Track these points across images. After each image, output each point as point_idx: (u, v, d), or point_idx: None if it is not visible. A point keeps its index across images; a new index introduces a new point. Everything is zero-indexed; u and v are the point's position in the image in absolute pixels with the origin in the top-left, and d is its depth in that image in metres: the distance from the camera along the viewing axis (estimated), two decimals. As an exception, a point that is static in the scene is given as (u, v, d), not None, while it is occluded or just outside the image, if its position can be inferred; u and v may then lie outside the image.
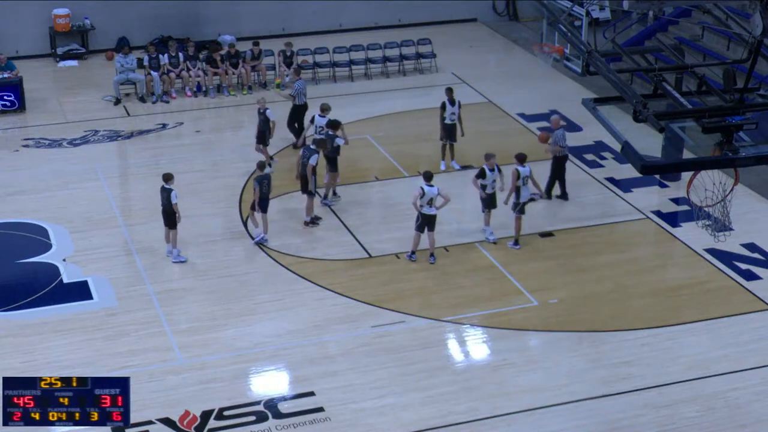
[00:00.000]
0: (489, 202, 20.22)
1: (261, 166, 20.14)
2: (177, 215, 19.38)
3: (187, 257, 19.63)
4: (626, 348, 17.34)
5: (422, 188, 19.25)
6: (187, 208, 20.18)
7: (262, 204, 19.99)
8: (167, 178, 19.44)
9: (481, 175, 20.01)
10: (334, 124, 21.67)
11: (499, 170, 20.06)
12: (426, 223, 19.40)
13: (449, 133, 23.02)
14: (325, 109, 22.28)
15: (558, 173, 21.87)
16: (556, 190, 21.92)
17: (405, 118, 23.34)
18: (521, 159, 20.12)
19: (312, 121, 22.38)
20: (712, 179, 14.13)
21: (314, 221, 20.98)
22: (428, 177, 19.36)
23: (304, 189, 20.80)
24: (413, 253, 19.65)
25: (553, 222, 21.16)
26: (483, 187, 20.07)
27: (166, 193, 19.33)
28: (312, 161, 20.49)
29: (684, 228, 20.91)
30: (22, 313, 18.14)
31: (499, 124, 25.79)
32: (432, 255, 19.63)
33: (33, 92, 27.08)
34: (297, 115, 23.97)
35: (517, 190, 19.91)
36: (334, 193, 21.96)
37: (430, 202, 19.29)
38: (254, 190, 19.95)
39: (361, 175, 22.97)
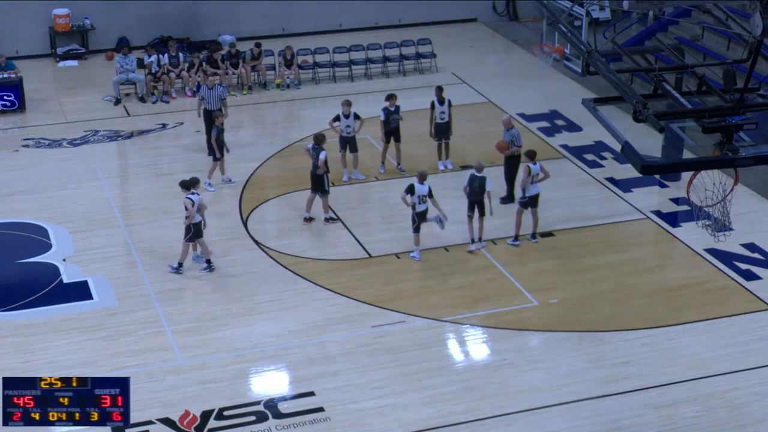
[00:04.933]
0: (421, 218, 19.69)
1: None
2: (203, 221, 19.32)
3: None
4: (626, 348, 17.35)
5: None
6: (187, 208, 20.20)
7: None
8: (193, 183, 19.28)
9: (410, 190, 19.54)
10: (390, 96, 22.79)
11: (431, 194, 19.57)
12: None
13: (442, 132, 23.05)
14: (347, 104, 22.44)
15: (510, 173, 21.62)
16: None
17: (405, 118, 23.30)
18: (531, 156, 20.13)
19: (336, 119, 22.43)
20: (712, 179, 14.13)
21: (331, 219, 21.01)
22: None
23: (315, 188, 20.79)
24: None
25: (553, 222, 21.15)
26: (413, 205, 19.59)
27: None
28: (322, 157, 20.50)
29: (684, 228, 20.91)
30: (22, 313, 18.14)
31: (498, 125, 25.66)
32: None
33: (33, 92, 27.09)
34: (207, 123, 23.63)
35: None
36: (398, 163, 23.05)
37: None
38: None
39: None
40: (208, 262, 19.34)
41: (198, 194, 19.23)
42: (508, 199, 21.49)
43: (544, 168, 20.20)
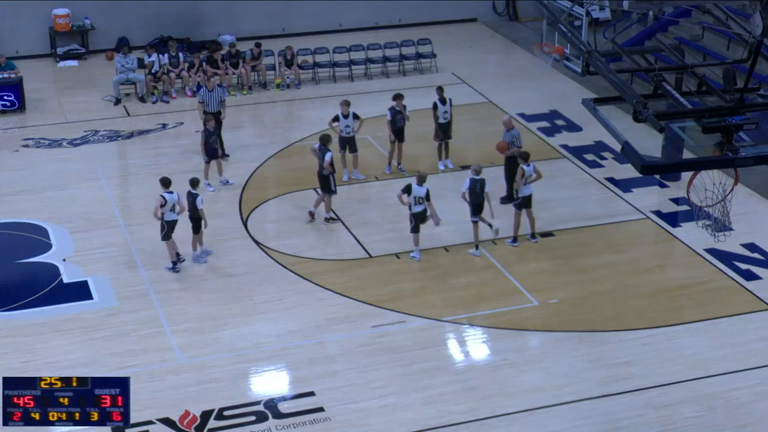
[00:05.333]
0: (419, 219, 19.67)
1: None
2: (203, 221, 19.39)
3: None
4: (626, 348, 17.35)
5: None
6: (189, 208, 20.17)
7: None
8: (194, 183, 19.37)
9: (407, 190, 19.55)
10: (398, 96, 22.78)
11: (428, 197, 19.52)
12: None
13: (444, 132, 23.06)
14: (345, 104, 22.43)
15: (510, 173, 21.47)
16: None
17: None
18: (525, 158, 20.13)
19: (336, 119, 22.41)
20: (712, 179, 14.13)
21: (332, 219, 21.03)
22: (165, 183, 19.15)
23: (324, 188, 20.81)
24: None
25: (553, 222, 21.15)
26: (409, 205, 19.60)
27: (191, 198, 19.27)
28: (327, 158, 20.51)
29: (684, 228, 20.91)
30: (22, 313, 18.14)
31: (498, 124, 25.64)
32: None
33: (33, 92, 27.09)
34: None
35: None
36: (398, 163, 23.05)
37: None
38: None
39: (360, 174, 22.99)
40: (175, 257, 19.38)
41: (196, 194, 19.26)
42: (508, 199, 21.47)
43: (537, 169, 20.20)
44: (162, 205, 18.92)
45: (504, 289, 19.00)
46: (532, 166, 20.06)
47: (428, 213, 19.63)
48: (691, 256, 20.13)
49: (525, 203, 20.15)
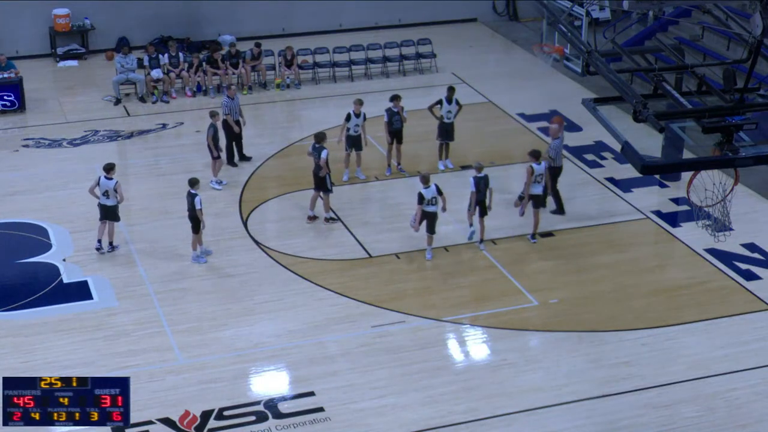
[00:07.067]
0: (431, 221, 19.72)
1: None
2: (201, 222, 19.38)
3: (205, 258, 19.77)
4: (626, 348, 17.35)
5: None
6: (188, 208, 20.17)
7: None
8: (193, 182, 19.37)
9: (421, 199, 19.47)
10: (394, 97, 22.73)
11: (439, 192, 19.55)
12: None
13: (446, 132, 23.01)
14: (358, 103, 22.43)
15: (553, 185, 21.28)
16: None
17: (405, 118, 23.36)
18: (536, 156, 20.12)
19: (348, 119, 22.35)
20: (712, 179, 14.14)
21: (332, 219, 21.02)
22: None
23: (319, 187, 20.80)
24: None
25: (553, 222, 21.15)
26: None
27: (191, 198, 19.26)
28: (323, 156, 20.49)
29: (684, 228, 20.91)
30: (22, 313, 18.14)
31: (499, 124, 25.82)
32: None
33: (33, 92, 27.09)
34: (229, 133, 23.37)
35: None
36: (398, 164, 23.03)
37: None
38: None
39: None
40: (110, 243, 19.97)
41: (195, 194, 19.23)
42: (558, 211, 21.36)
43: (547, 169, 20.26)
44: (96, 186, 19.58)
45: (504, 289, 19.00)
46: (543, 165, 20.07)
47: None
48: (691, 256, 20.13)
49: (535, 201, 20.13)
